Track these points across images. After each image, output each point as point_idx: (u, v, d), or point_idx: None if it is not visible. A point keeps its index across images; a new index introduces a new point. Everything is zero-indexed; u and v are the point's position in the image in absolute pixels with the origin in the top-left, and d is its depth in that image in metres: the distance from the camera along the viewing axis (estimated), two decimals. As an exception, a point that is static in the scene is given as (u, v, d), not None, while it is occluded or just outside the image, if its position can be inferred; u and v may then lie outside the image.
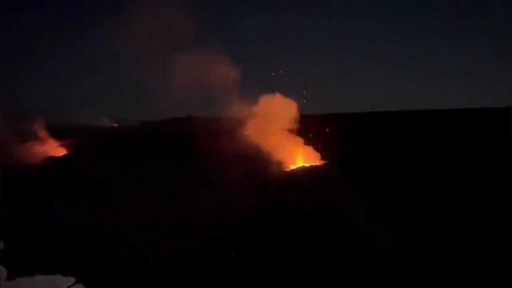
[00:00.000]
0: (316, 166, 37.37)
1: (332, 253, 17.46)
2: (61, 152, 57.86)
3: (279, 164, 38.07)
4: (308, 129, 41.45)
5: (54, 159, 52.30)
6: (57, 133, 62.43)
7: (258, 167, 36.25)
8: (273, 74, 43.42)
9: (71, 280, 15.51)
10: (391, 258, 16.59)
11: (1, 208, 26.56)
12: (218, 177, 33.80)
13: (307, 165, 38.01)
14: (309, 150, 40.33)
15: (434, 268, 15.68)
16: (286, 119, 40.64)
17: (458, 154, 42.50)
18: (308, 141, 40.74)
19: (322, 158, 39.49)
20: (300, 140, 40.53)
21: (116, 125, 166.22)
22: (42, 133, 59.24)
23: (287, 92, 41.41)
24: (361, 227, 20.03)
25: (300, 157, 39.55)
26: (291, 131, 40.96)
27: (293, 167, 38.00)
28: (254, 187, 29.89)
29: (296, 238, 19.41)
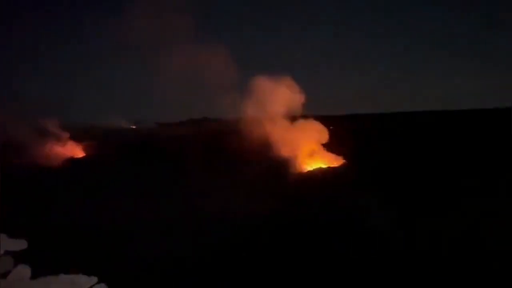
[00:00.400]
0: (333, 168, 37.26)
1: (347, 256, 17.47)
2: (80, 153, 58.74)
3: (295, 165, 38.06)
4: (326, 130, 41.35)
5: (73, 161, 53.13)
6: (75, 135, 63.33)
7: (274, 168, 36.33)
8: None
9: (93, 279, 15.77)
10: (406, 259, 16.63)
11: (23, 208, 27.21)
12: (233, 178, 34.00)
13: (324, 166, 37.89)
14: (327, 151, 40.24)
15: (437, 268, 15.65)
16: (284, 102, 40.31)
17: (467, 155, 42.19)
18: (326, 142, 40.64)
19: (340, 159, 39.34)
20: (317, 141, 40.46)
21: (135, 127, 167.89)
22: (61, 134, 60.09)
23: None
24: (378, 231, 20.04)
25: (317, 158, 39.47)
26: (308, 130, 40.95)
27: (309, 168, 37.93)
28: (270, 188, 29.97)
29: (309, 241, 19.46)
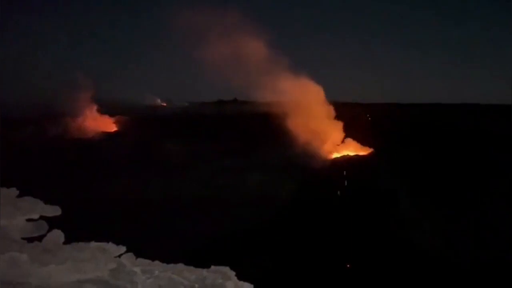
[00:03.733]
0: (360, 156, 37.07)
1: (373, 243, 17.65)
2: (112, 128, 60.12)
3: (323, 151, 38.02)
4: (353, 117, 41.14)
5: (106, 134, 54.52)
6: (107, 110, 64.60)
7: (301, 153, 36.38)
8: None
9: (122, 248, 16.50)
10: (432, 248, 16.72)
11: (59, 178, 28.41)
12: (260, 161, 34.30)
13: (351, 154, 37.74)
14: (354, 139, 39.99)
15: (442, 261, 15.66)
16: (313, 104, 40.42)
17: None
18: (353, 130, 40.43)
19: (367, 147, 39.03)
20: (344, 129, 40.28)
21: (165, 104, 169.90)
22: (94, 109, 61.30)
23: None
24: (402, 218, 20.15)
25: (344, 146, 39.30)
26: (335, 118, 40.79)
27: (336, 155, 37.84)
28: (296, 173, 30.14)
29: (331, 225, 19.70)
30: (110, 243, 16.86)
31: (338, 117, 41.11)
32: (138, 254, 15.90)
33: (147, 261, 15.50)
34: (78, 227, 18.61)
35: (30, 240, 17.67)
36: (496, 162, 32.78)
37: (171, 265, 15.15)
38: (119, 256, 16.04)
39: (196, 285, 13.82)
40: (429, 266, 15.41)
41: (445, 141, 48.04)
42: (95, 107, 60.85)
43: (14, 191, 24.20)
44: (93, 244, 16.88)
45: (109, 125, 60.70)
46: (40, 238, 17.81)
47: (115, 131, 58.92)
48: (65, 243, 17.41)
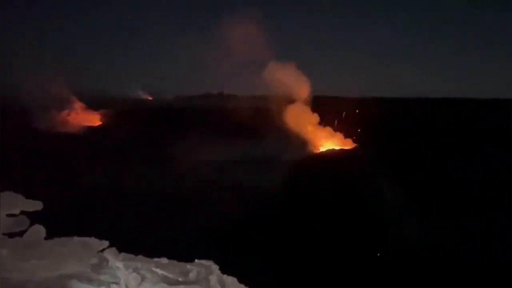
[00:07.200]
0: (345, 150, 37.20)
1: (357, 237, 17.80)
2: (96, 122, 59.41)
3: (308, 145, 38.08)
4: (340, 111, 41.20)
5: (90, 128, 53.89)
6: (92, 104, 63.73)
7: (287, 147, 36.42)
8: None
9: (105, 243, 16.40)
10: (413, 242, 16.90)
11: (40, 173, 28.02)
12: (246, 155, 34.25)
13: (336, 148, 37.84)
14: (339, 133, 40.10)
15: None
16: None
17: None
18: (339, 124, 40.54)
19: (352, 141, 39.15)
20: (330, 123, 40.36)
21: (151, 98, 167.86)
22: (78, 102, 60.46)
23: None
24: (388, 212, 20.31)
25: (330, 140, 39.39)
26: (323, 112, 40.85)
27: (322, 149, 37.92)
28: (283, 167, 30.15)
29: (317, 218, 19.81)
30: (92, 237, 16.75)
31: (326, 111, 41.12)
32: (121, 249, 15.80)
33: (130, 256, 15.42)
34: (61, 222, 18.42)
35: (11, 235, 17.45)
36: (494, 158, 32.84)
37: (155, 259, 15.10)
38: (102, 250, 15.94)
39: (180, 279, 13.79)
40: (419, 266, 15.53)
41: (440, 136, 48.47)
42: (79, 101, 60.04)
43: (-6, 186, 23.85)
44: (76, 238, 16.74)
45: (94, 119, 59.94)
46: (21, 234, 17.60)
47: (100, 125, 58.23)
48: (47, 238, 17.24)
